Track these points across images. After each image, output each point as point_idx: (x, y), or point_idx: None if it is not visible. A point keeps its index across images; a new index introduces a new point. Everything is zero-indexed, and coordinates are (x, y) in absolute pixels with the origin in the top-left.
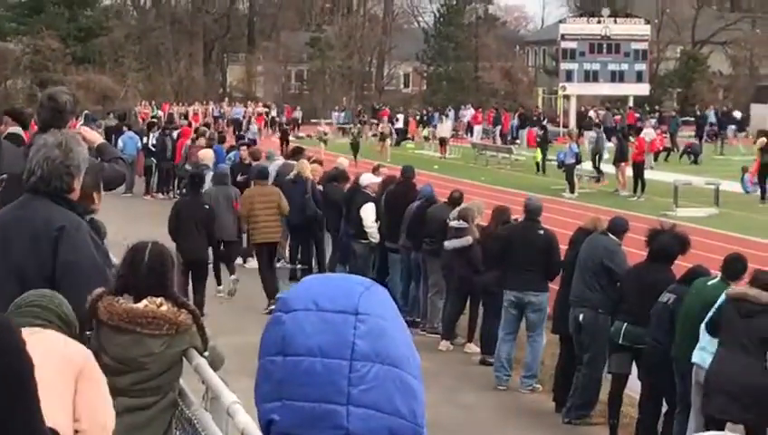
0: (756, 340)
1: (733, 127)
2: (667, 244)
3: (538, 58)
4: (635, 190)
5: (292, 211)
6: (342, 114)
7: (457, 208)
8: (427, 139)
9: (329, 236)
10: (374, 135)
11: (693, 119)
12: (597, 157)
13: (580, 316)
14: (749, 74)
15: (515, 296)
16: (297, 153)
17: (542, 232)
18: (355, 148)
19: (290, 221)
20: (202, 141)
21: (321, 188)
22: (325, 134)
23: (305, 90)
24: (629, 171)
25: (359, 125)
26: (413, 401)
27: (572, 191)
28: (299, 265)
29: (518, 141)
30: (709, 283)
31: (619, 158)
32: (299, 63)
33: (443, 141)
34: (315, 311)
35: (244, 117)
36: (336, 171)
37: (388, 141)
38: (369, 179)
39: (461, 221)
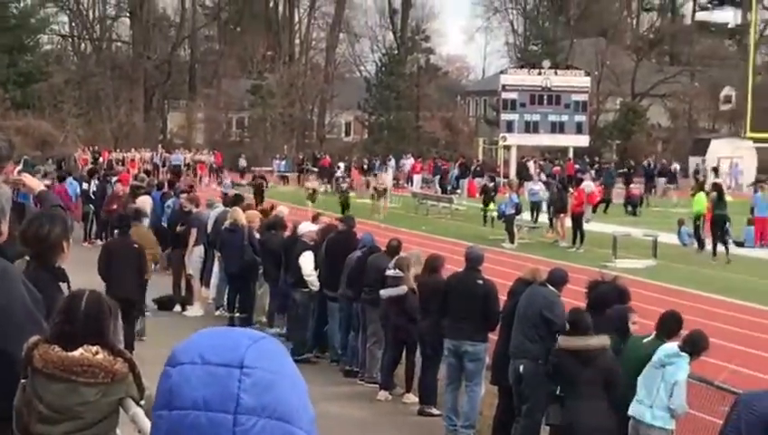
0: (600, 382)
1: (662, 180)
2: (606, 294)
3: (479, 108)
4: (574, 241)
5: (231, 259)
6: (283, 162)
7: (396, 257)
8: (367, 187)
9: (266, 284)
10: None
11: (626, 170)
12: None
13: (521, 367)
14: (688, 127)
15: (453, 345)
16: (236, 201)
17: (481, 281)
18: (345, 206)
19: (227, 269)
20: (119, 188)
21: (258, 236)
22: (314, 191)
23: (246, 137)
24: (569, 222)
25: (347, 179)
26: None
27: (512, 241)
28: (237, 314)
29: (458, 191)
30: (645, 340)
31: (559, 208)
32: (240, 111)
33: (384, 191)
34: (201, 364)
35: (184, 164)
36: (275, 219)
37: (385, 200)
38: (306, 228)
39: (397, 270)
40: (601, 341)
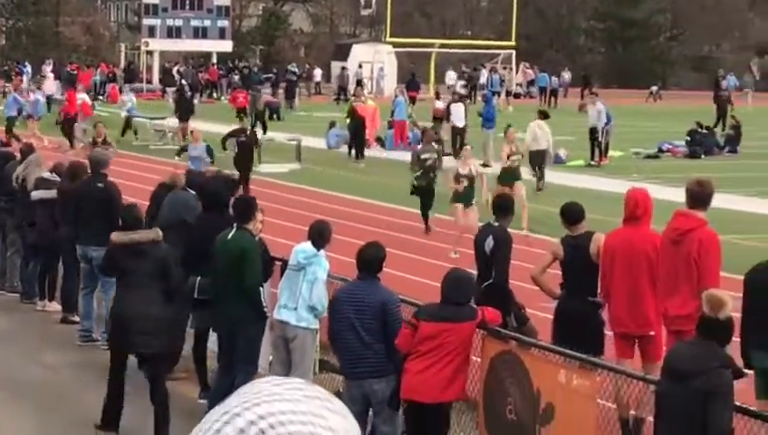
0: (154, 272)
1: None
2: (216, 190)
3: (120, 13)
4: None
5: None
6: None
7: (36, 159)
8: (4, 94)
9: None
10: None
11: (273, 76)
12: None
13: None
14: (329, 32)
15: (82, 250)
16: None
17: (101, 185)
18: None
19: None
20: None
21: None
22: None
23: None
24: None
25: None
26: None
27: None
28: None
29: (101, 97)
30: (230, 235)
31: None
32: None
33: (49, 99)
34: None
35: None
36: None
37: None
38: None
39: (54, 174)
40: (149, 234)
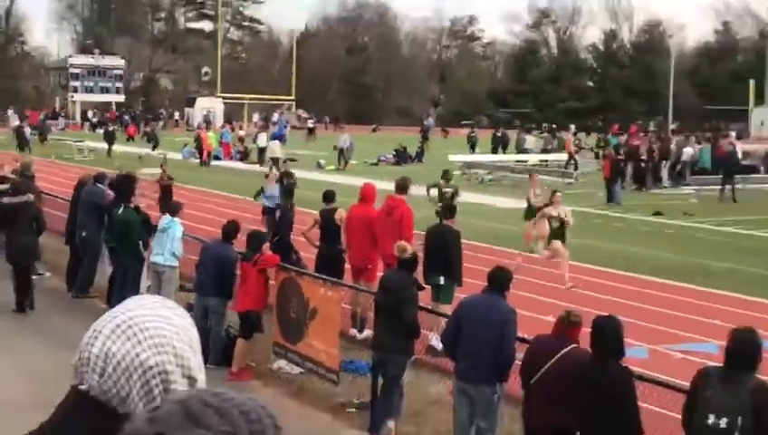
0: None
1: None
2: (120, 183)
3: (56, 78)
4: None
5: None
6: None
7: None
8: None
9: None
10: None
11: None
12: None
13: None
14: (183, 90)
15: None
16: None
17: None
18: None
19: None
20: None
21: None
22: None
23: None
24: None
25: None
26: None
27: None
28: None
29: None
30: (119, 211)
31: None
32: None
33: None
34: None
35: None
36: None
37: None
38: None
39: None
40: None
